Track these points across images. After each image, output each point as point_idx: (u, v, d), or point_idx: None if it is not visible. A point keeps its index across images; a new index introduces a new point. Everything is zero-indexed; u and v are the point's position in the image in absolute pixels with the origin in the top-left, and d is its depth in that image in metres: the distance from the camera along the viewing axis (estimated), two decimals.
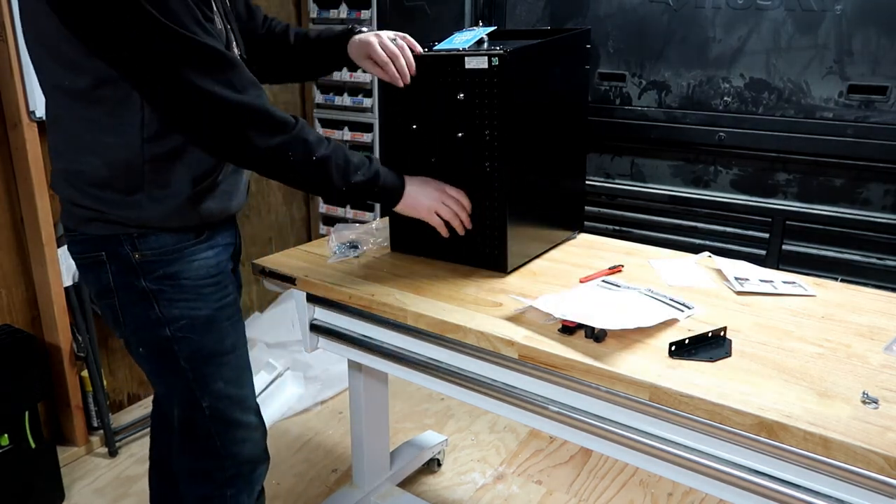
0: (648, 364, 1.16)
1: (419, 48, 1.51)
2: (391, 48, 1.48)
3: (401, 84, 1.50)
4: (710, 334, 1.23)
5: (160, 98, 1.20)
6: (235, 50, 1.35)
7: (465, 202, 1.53)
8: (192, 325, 1.36)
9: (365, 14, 2.84)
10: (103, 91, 1.20)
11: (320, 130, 3.13)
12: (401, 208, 1.50)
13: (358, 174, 1.38)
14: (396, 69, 1.49)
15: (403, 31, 1.56)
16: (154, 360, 1.41)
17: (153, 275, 1.32)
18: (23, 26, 1.25)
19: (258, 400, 1.53)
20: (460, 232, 1.55)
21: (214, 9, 1.27)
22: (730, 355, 1.19)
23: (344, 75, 2.98)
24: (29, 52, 1.27)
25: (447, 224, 1.54)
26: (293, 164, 1.30)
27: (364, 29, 1.56)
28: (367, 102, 2.95)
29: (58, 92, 1.25)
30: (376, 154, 2.97)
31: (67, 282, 2.29)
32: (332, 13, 2.94)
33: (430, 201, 1.50)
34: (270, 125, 1.25)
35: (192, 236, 1.35)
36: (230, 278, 1.44)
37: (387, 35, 1.50)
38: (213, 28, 1.23)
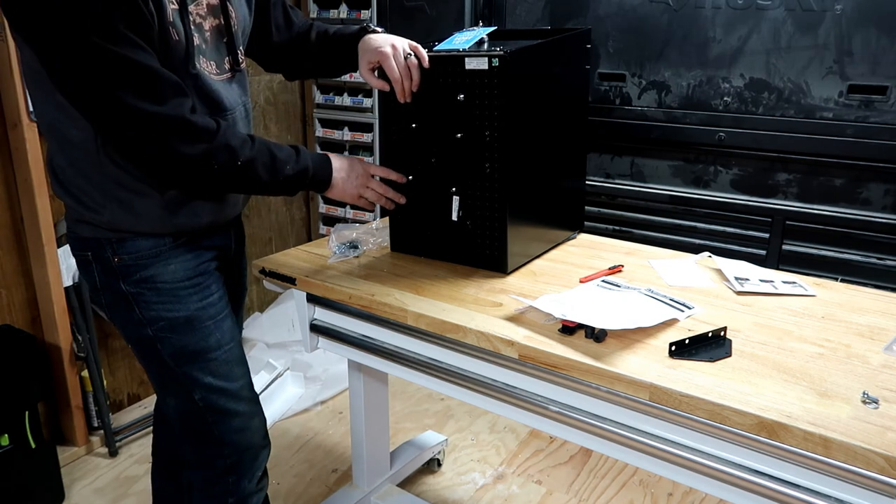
0: (648, 364, 1.16)
1: (426, 61, 1.49)
2: (403, 66, 1.48)
3: (402, 101, 1.52)
4: (710, 334, 1.23)
5: (89, 111, 1.21)
6: (204, 60, 1.32)
7: (393, 175, 1.59)
8: (172, 325, 1.37)
9: (365, 14, 2.84)
10: (60, 97, 1.22)
11: (320, 130, 3.14)
12: (329, 195, 1.51)
13: (286, 169, 1.37)
14: (403, 87, 1.50)
15: (403, 31, 1.55)
16: (143, 356, 1.45)
17: (131, 278, 1.35)
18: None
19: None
20: (389, 207, 1.63)
21: (172, 18, 1.23)
22: (730, 355, 1.19)
23: (344, 75, 2.98)
24: (17, 46, 1.29)
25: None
26: (217, 171, 1.28)
27: (378, 29, 1.55)
28: (367, 102, 2.95)
29: (37, 91, 1.27)
30: (376, 154, 2.97)
31: (67, 282, 2.29)
32: (332, 13, 2.94)
33: (354, 189, 1.52)
34: (192, 134, 1.23)
35: (169, 241, 1.36)
36: (214, 278, 1.45)
37: (401, 47, 1.49)
38: (156, 40, 1.21)
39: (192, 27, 1.28)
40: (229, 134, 1.28)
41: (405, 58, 1.48)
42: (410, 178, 1.60)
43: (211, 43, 1.33)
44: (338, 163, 1.49)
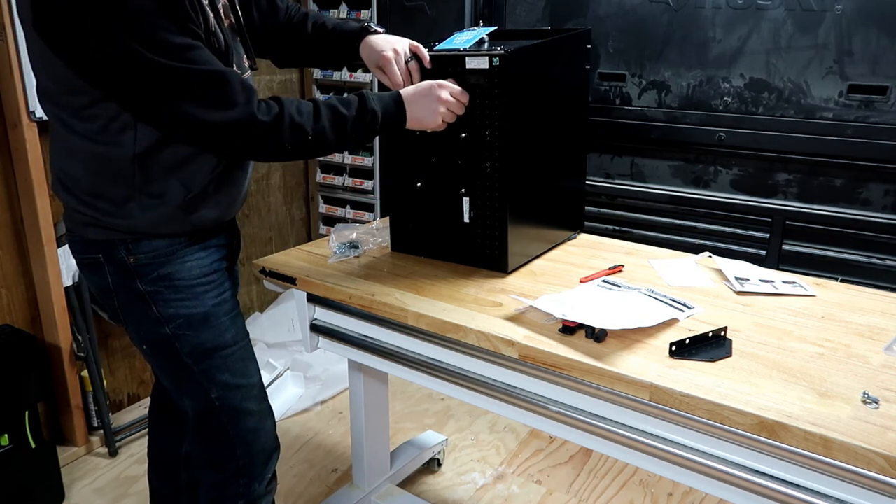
0: (649, 364, 1.16)
1: (428, 61, 1.50)
2: (405, 71, 1.49)
3: None
4: (710, 334, 1.23)
5: (159, 124, 1.23)
6: (235, 66, 1.33)
7: (459, 92, 1.47)
8: (190, 322, 1.38)
9: (365, 14, 2.84)
10: (96, 110, 1.22)
11: None
12: (410, 127, 1.46)
13: (356, 125, 1.36)
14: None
15: (403, 31, 1.55)
16: (158, 356, 1.44)
17: (148, 277, 1.35)
18: (25, 37, 1.26)
19: None
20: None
21: (214, 27, 1.26)
22: (730, 355, 1.19)
23: (344, 75, 2.98)
24: (31, 63, 1.28)
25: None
26: (291, 150, 1.32)
27: (379, 29, 1.56)
28: None
29: (54, 105, 1.27)
30: (376, 154, 2.97)
31: (67, 282, 2.29)
32: (332, 13, 2.93)
33: (433, 115, 1.44)
34: (261, 131, 1.25)
35: (184, 240, 1.37)
36: (225, 276, 1.46)
37: (403, 49, 1.50)
38: (205, 46, 1.22)
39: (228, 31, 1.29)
40: (293, 111, 1.29)
41: (406, 62, 1.49)
42: (419, 185, 1.60)
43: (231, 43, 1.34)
44: (410, 92, 1.43)
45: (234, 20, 1.35)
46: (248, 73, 1.40)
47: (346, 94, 1.39)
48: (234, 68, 1.32)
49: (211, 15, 1.25)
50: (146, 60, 1.13)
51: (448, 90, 1.44)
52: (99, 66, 1.15)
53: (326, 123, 1.32)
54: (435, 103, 1.43)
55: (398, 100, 1.42)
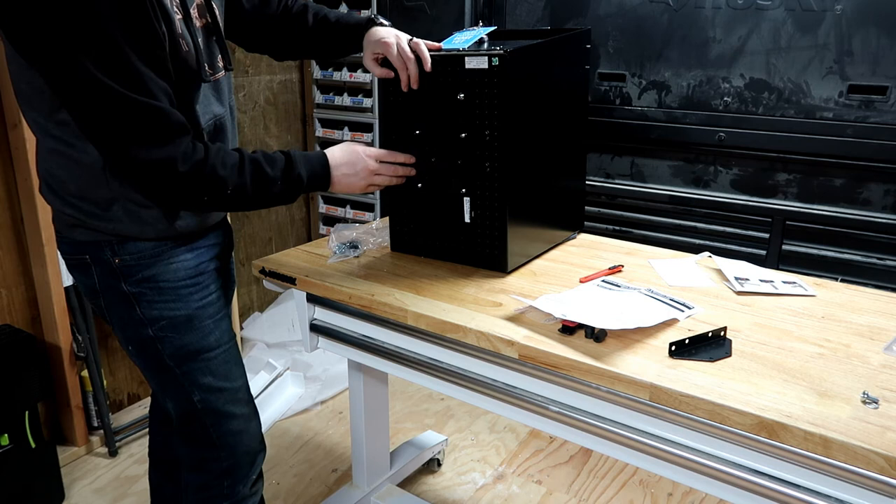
0: (648, 364, 1.16)
1: (428, 63, 1.49)
2: (407, 53, 1.48)
3: (404, 88, 1.52)
4: (710, 334, 1.23)
5: (95, 145, 1.22)
6: (207, 66, 1.32)
7: (400, 158, 1.54)
8: (173, 324, 1.37)
9: (364, 14, 2.84)
10: (65, 115, 1.22)
11: (320, 130, 3.13)
12: (336, 191, 1.49)
13: (278, 184, 1.35)
14: (408, 74, 1.50)
15: (403, 31, 1.55)
16: (142, 357, 1.44)
17: (133, 278, 1.35)
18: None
19: (258, 400, 1.54)
20: (401, 182, 1.57)
21: (180, 30, 1.24)
22: (730, 355, 1.19)
23: (344, 75, 2.98)
24: (8, 65, 1.28)
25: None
26: (208, 201, 1.30)
27: (386, 22, 1.56)
28: (367, 102, 2.95)
29: (31, 109, 1.27)
30: None
31: (67, 282, 2.29)
32: None
33: (361, 180, 1.48)
34: (178, 177, 1.23)
35: (170, 242, 1.37)
36: (212, 278, 1.45)
37: (405, 37, 1.50)
38: (169, 55, 1.21)
39: (197, 33, 1.28)
40: (218, 163, 1.27)
41: (408, 41, 1.49)
42: (420, 185, 1.60)
43: (203, 44, 1.33)
44: (338, 160, 1.45)
45: (209, 20, 1.33)
46: (222, 73, 1.38)
47: (274, 151, 1.38)
48: (206, 69, 1.30)
49: (179, 17, 1.23)
50: (99, 83, 1.12)
51: (385, 170, 1.50)
52: (53, 75, 1.14)
53: (248, 179, 1.30)
54: (363, 172, 1.47)
55: (325, 165, 1.43)
